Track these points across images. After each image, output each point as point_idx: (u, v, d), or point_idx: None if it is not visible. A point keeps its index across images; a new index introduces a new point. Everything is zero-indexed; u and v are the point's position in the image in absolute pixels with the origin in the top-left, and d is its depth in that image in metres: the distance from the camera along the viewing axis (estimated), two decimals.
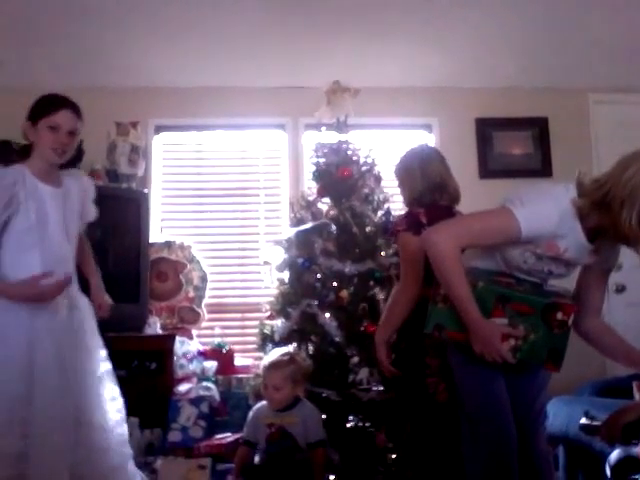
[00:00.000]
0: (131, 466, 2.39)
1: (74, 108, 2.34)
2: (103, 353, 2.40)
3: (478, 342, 1.90)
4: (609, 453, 2.29)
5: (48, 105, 2.31)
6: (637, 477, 2.04)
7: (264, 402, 2.76)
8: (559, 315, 1.87)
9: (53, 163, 2.33)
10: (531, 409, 2.12)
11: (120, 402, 2.39)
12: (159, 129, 4.24)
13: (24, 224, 2.24)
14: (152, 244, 3.84)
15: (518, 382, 2.08)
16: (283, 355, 2.75)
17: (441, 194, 2.52)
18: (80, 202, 2.45)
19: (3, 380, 2.13)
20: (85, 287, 2.48)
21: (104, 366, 2.38)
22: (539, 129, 4.37)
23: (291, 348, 2.88)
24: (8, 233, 2.25)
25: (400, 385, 2.56)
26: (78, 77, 3.95)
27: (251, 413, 2.79)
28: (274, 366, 2.70)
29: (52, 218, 2.30)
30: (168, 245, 3.97)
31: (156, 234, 4.02)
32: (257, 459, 2.71)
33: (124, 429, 2.38)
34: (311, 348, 3.16)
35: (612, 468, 2.23)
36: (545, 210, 1.87)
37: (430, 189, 2.52)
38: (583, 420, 2.08)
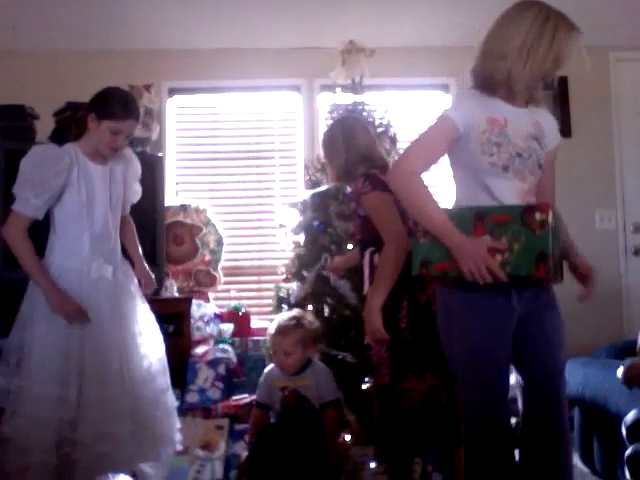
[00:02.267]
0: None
1: (138, 117, 2.47)
2: (146, 310, 2.56)
3: (466, 261, 1.84)
4: (625, 414, 2.29)
5: (118, 110, 2.38)
6: None
7: (273, 365, 2.77)
8: (537, 215, 1.82)
9: (104, 155, 2.46)
10: (551, 373, 2.01)
11: (162, 353, 2.57)
12: (172, 92, 4.21)
13: (75, 203, 2.37)
14: (168, 208, 3.85)
15: (529, 333, 1.98)
16: (289, 319, 2.72)
17: (368, 165, 2.42)
18: (125, 182, 2.56)
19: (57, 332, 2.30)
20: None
21: (147, 323, 2.54)
22: (559, 88, 4.28)
23: (298, 311, 2.85)
24: (59, 212, 2.39)
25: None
26: (91, 40, 3.93)
27: (262, 376, 2.80)
28: (282, 332, 2.68)
29: (99, 197, 2.43)
30: (184, 209, 3.97)
31: (171, 198, 4.02)
32: (272, 420, 2.73)
33: (166, 379, 2.56)
34: (327, 310, 3.17)
35: (628, 429, 2.23)
36: (460, 96, 2.10)
37: (357, 161, 2.44)
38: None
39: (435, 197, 1.94)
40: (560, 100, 4.27)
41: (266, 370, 2.82)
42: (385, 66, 3.78)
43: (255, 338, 3.68)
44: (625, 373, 1.98)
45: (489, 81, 1.95)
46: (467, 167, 1.98)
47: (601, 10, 3.80)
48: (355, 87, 3.44)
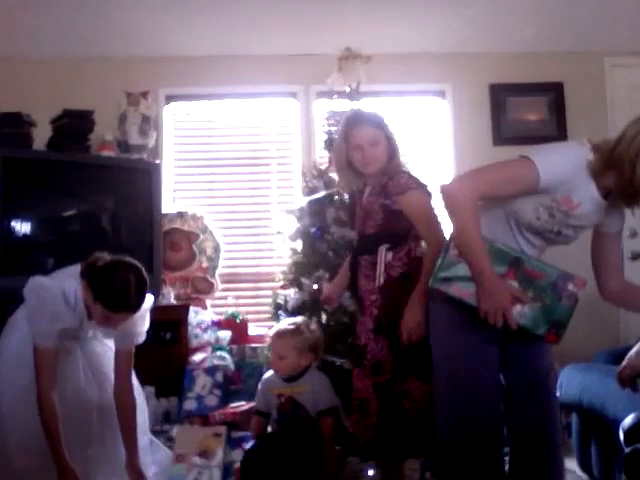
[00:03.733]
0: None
1: (136, 309, 2.27)
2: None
3: (487, 300, 1.85)
4: (622, 419, 2.29)
5: (115, 301, 2.19)
6: None
7: (271, 372, 2.78)
8: (570, 286, 1.87)
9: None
10: (537, 374, 2.09)
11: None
12: (169, 99, 4.21)
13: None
14: (165, 215, 3.84)
15: (518, 347, 2.04)
16: (289, 324, 2.76)
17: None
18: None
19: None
20: None
21: None
22: (554, 94, 4.29)
23: (301, 319, 2.87)
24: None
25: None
26: (87, 47, 3.93)
27: (260, 384, 2.81)
28: (279, 335, 2.73)
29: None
30: (181, 215, 3.97)
31: (168, 205, 4.02)
32: (269, 429, 2.74)
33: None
34: (324, 317, 3.17)
35: (625, 433, 2.23)
36: (562, 158, 1.89)
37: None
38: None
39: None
40: (556, 105, 4.29)
41: (264, 377, 2.83)
42: (382, 73, 3.79)
43: (253, 345, 3.67)
44: (618, 374, 2.01)
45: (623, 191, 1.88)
46: (517, 207, 1.97)
47: (596, 16, 3.83)
48: (352, 94, 3.45)
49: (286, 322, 2.83)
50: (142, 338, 2.47)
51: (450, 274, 1.94)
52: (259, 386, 2.82)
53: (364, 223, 2.46)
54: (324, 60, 3.63)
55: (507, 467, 2.13)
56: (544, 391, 2.09)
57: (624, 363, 2.00)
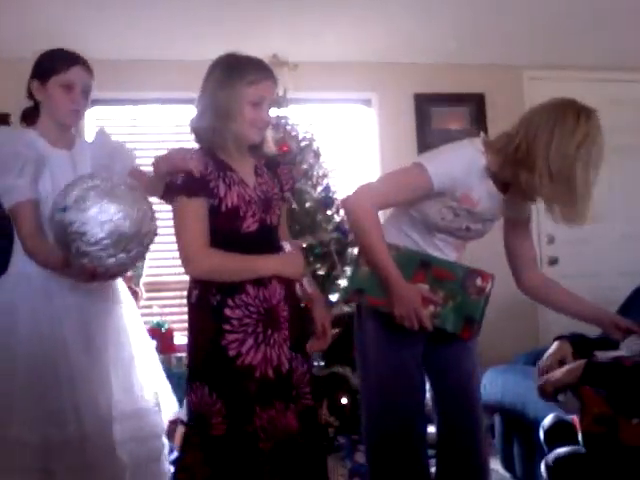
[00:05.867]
0: (163, 462, 2.24)
1: (86, 64, 2.16)
2: (143, 337, 2.31)
3: (399, 305, 1.88)
4: (542, 419, 2.36)
5: (59, 62, 2.10)
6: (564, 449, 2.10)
7: None
8: (478, 281, 1.91)
9: (68, 125, 2.15)
10: (461, 374, 2.12)
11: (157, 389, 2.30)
12: (92, 102, 4.07)
13: (40, 195, 2.03)
14: None
15: (441, 351, 2.09)
16: None
17: None
18: (94, 165, 2.16)
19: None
20: None
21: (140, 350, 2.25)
22: (476, 105, 4.42)
23: None
24: None
25: None
26: (7, 48, 3.78)
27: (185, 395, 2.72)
28: None
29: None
30: None
31: None
32: None
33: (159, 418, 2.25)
34: None
35: (545, 433, 2.30)
36: (453, 159, 1.97)
37: None
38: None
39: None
40: (477, 115, 4.41)
41: None
42: (308, 80, 3.81)
43: (179, 355, 3.60)
44: (541, 389, 2.05)
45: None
46: (422, 211, 2.02)
47: (515, 31, 3.97)
48: (279, 101, 3.45)
49: None
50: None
51: (361, 285, 1.99)
52: (185, 398, 2.74)
53: (266, 210, 1.94)
54: None
55: (434, 469, 2.17)
56: (468, 393, 2.12)
57: (543, 379, 2.05)
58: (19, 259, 2.05)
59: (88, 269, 1.88)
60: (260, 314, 1.83)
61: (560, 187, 1.83)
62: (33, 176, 2.00)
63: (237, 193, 1.87)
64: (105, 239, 1.81)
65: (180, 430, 2.73)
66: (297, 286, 1.94)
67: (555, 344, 2.20)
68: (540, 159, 1.83)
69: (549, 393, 2.01)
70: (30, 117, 2.15)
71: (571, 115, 1.88)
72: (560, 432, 2.23)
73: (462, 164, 1.94)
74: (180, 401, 3.00)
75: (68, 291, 2.03)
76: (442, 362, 2.11)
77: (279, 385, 1.83)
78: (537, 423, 2.43)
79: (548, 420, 2.33)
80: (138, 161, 4.09)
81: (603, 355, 2.08)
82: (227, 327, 1.81)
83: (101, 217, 1.79)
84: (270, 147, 2.01)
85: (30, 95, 2.14)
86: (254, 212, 1.87)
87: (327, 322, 1.97)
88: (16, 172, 1.97)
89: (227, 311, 1.82)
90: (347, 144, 4.32)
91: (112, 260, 1.86)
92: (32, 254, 2.00)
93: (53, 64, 2.09)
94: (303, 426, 1.85)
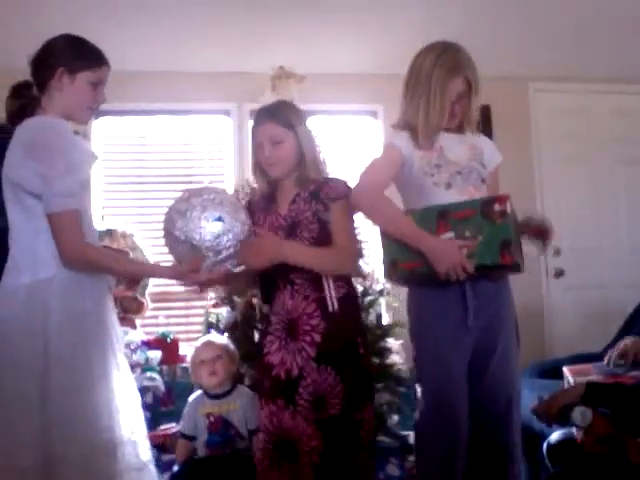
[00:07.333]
0: None
1: (108, 64, 2.09)
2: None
3: (439, 263, 1.92)
4: (549, 434, 2.34)
5: (93, 58, 2.04)
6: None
7: (198, 392, 2.73)
8: (496, 206, 1.92)
9: (78, 121, 2.06)
10: (497, 402, 2.10)
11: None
12: (99, 114, 4.11)
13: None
14: None
15: (482, 371, 2.08)
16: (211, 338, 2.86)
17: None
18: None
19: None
20: None
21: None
22: (481, 116, 4.41)
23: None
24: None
25: None
26: (16, 59, 3.80)
27: (187, 406, 2.72)
28: (208, 343, 2.78)
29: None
30: (110, 233, 3.87)
31: (97, 222, 3.92)
32: (199, 451, 2.66)
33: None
34: (257, 335, 3.14)
35: (550, 449, 2.28)
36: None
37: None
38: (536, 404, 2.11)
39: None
40: (483, 126, 4.41)
41: (190, 399, 2.74)
42: (315, 92, 3.81)
43: (184, 365, 3.59)
44: (540, 413, 2.05)
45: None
46: (414, 190, 2.12)
47: (521, 43, 3.98)
48: None
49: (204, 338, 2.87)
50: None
51: (394, 255, 2.04)
52: (186, 408, 2.73)
53: (291, 234, 2.12)
54: (258, 78, 3.63)
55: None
56: (503, 421, 2.11)
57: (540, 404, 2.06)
58: (10, 272, 1.95)
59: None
60: (284, 323, 2.13)
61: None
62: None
63: (270, 222, 2.18)
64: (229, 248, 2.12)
65: (180, 443, 2.71)
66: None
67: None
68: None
69: (552, 416, 1.99)
70: (19, 117, 2.01)
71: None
72: (566, 450, 2.20)
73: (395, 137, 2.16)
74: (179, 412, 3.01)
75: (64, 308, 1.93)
76: (483, 382, 2.09)
77: (286, 386, 2.09)
78: (543, 437, 2.41)
79: (555, 436, 2.31)
80: (145, 172, 4.12)
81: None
82: (269, 329, 2.19)
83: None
84: (312, 174, 2.19)
85: (19, 94, 2.07)
86: (279, 237, 2.14)
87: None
88: (85, 177, 1.96)
89: (271, 316, 2.19)
90: (353, 156, 4.32)
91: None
92: (93, 262, 1.97)
93: (88, 59, 2.04)
94: (324, 434, 2.06)
